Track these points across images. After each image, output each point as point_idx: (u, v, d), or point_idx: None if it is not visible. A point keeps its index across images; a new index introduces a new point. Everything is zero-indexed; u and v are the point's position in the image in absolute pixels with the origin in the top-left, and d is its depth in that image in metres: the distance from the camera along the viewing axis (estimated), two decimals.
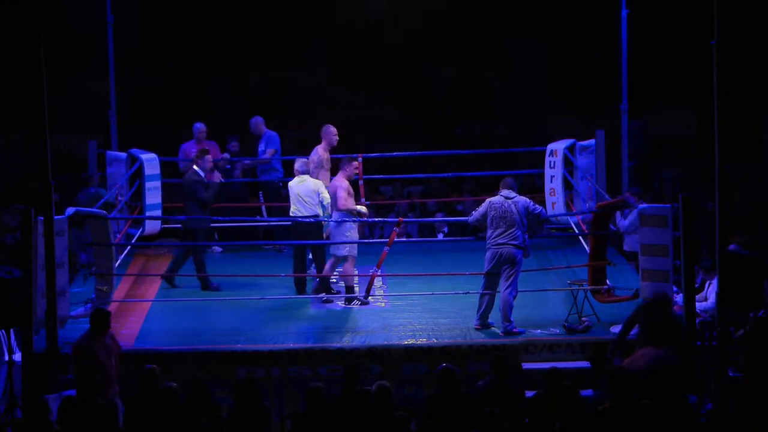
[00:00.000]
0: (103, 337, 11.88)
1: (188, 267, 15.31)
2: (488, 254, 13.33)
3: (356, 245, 14.52)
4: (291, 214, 14.81)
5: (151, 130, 20.80)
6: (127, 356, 12.42)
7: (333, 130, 15.54)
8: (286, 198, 15.61)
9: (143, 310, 14.39)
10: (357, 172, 14.79)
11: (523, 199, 13.32)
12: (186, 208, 15.15)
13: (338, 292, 14.81)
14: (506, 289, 13.24)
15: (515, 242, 13.20)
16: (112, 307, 13.86)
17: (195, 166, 15.20)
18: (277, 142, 17.36)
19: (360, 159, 17.12)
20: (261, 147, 17.49)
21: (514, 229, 13.20)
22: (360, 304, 14.45)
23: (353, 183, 15.13)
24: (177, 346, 13.00)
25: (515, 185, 13.51)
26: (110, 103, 17.40)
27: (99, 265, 13.78)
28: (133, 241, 16.40)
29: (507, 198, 13.27)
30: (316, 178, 15.01)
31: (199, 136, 17.51)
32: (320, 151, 15.40)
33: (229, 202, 17.18)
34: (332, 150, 15.60)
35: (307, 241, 14.68)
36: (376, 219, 14.91)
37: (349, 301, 14.52)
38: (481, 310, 13.46)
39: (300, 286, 14.87)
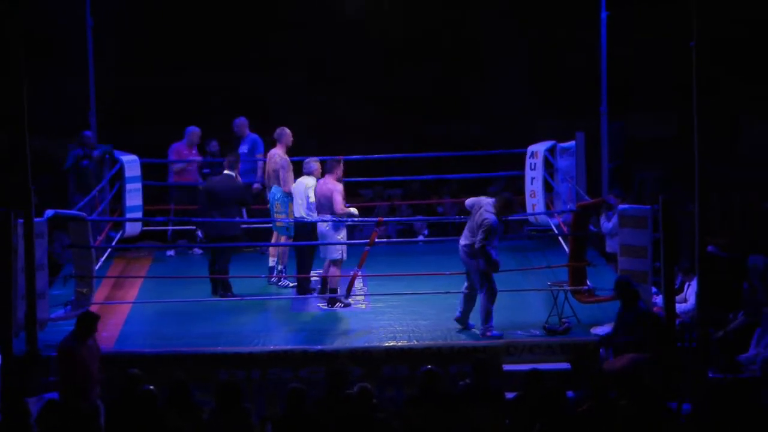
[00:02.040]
0: (87, 340, 11.89)
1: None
2: None
3: (346, 248, 14.55)
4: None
5: (130, 131, 20.74)
6: (107, 359, 12.39)
7: (289, 132, 15.57)
8: (266, 200, 15.71)
9: (123, 312, 14.36)
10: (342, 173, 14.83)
11: (487, 217, 13.06)
12: (225, 212, 14.84)
13: (313, 289, 14.88)
14: (480, 293, 13.28)
15: (465, 246, 13.22)
16: (91, 310, 13.87)
17: (229, 170, 15.06)
18: (262, 145, 17.36)
19: (341, 161, 17.15)
20: (243, 149, 17.49)
21: (470, 232, 13.21)
22: (343, 306, 14.48)
23: None
24: (157, 349, 12.99)
25: (508, 203, 13.26)
26: (90, 105, 17.40)
27: (79, 268, 13.76)
28: (113, 244, 16.40)
29: (485, 207, 13.16)
30: (285, 180, 15.10)
31: (193, 139, 17.52)
32: (282, 154, 15.40)
33: None
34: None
35: (296, 242, 14.74)
36: (357, 220, 14.89)
37: (332, 302, 14.53)
38: (461, 308, 13.50)
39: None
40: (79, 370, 11.65)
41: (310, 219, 14.53)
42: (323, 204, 14.48)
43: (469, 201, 13.45)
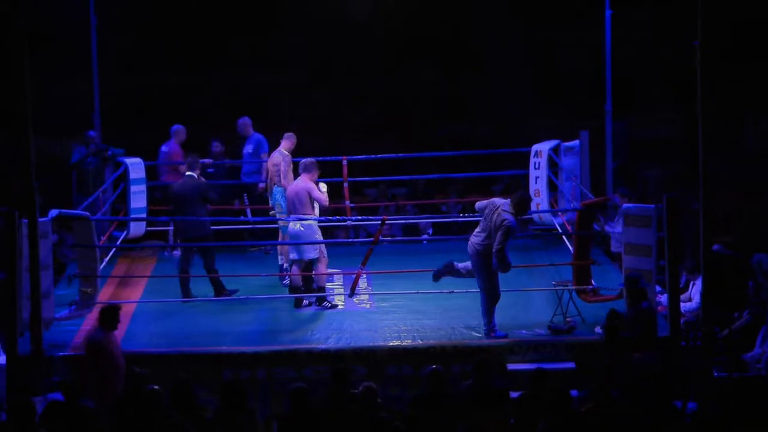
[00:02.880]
0: (111, 333, 11.95)
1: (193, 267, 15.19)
2: None
3: (325, 247, 14.48)
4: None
5: (134, 131, 20.73)
6: None
7: (295, 139, 15.52)
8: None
9: (128, 312, 14.17)
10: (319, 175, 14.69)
11: (506, 218, 12.93)
12: (191, 214, 14.74)
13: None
14: (482, 292, 13.20)
15: (477, 243, 13.15)
16: (96, 309, 13.82)
17: (190, 171, 15.03)
18: (267, 145, 17.32)
19: (345, 161, 17.11)
20: (247, 149, 17.49)
21: (484, 233, 13.12)
22: (330, 307, 14.42)
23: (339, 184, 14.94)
24: (161, 348, 12.98)
25: (524, 202, 13.17)
26: (93, 105, 17.39)
27: (83, 267, 13.73)
28: (117, 243, 16.37)
29: (502, 208, 13.05)
30: (285, 172, 15.09)
31: (181, 137, 17.49)
32: (282, 151, 15.37)
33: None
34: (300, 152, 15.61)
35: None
36: (359, 217, 14.84)
37: (320, 301, 14.47)
38: (447, 264, 13.47)
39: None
40: (107, 363, 11.73)
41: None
42: (295, 204, 14.38)
43: (480, 204, 13.31)
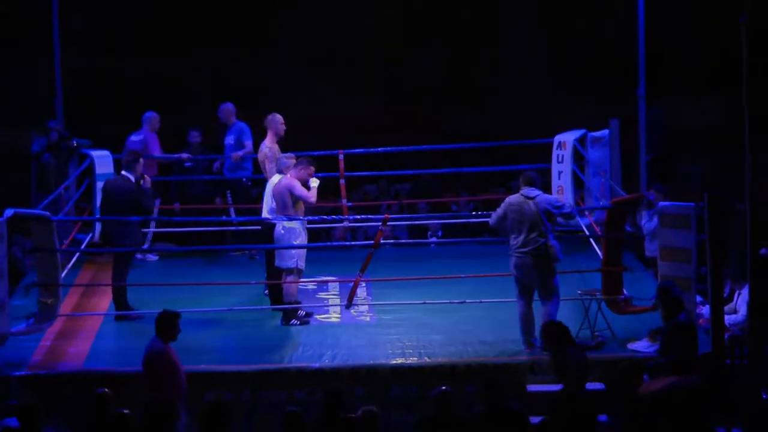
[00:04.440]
0: (170, 342, 11.75)
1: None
2: (510, 261, 13.14)
3: (304, 256, 14.30)
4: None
5: (102, 121, 20.65)
6: (75, 378, 12.46)
7: (280, 118, 15.34)
8: (257, 198, 15.47)
9: (94, 325, 14.25)
10: (311, 176, 14.39)
11: (545, 198, 13.02)
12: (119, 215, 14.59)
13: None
14: (549, 303, 13.09)
15: (525, 250, 12.98)
16: (57, 323, 13.90)
17: (126, 171, 14.66)
18: (250, 134, 17.13)
19: (341, 156, 16.95)
20: (228, 140, 17.41)
21: (534, 233, 12.94)
22: (300, 324, 14.25)
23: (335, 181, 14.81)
24: (132, 367, 12.59)
25: (538, 180, 13.25)
26: (56, 92, 17.25)
27: (43, 275, 13.57)
28: (81, 247, 16.24)
29: (527, 197, 12.99)
30: (270, 171, 14.94)
31: (154, 125, 17.30)
32: (269, 144, 15.21)
33: (193, 202, 17.01)
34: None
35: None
36: (358, 217, 14.70)
37: (287, 318, 14.28)
38: (522, 329, 13.20)
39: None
40: (166, 378, 11.54)
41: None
42: (278, 204, 14.26)
43: (493, 219, 13.24)
